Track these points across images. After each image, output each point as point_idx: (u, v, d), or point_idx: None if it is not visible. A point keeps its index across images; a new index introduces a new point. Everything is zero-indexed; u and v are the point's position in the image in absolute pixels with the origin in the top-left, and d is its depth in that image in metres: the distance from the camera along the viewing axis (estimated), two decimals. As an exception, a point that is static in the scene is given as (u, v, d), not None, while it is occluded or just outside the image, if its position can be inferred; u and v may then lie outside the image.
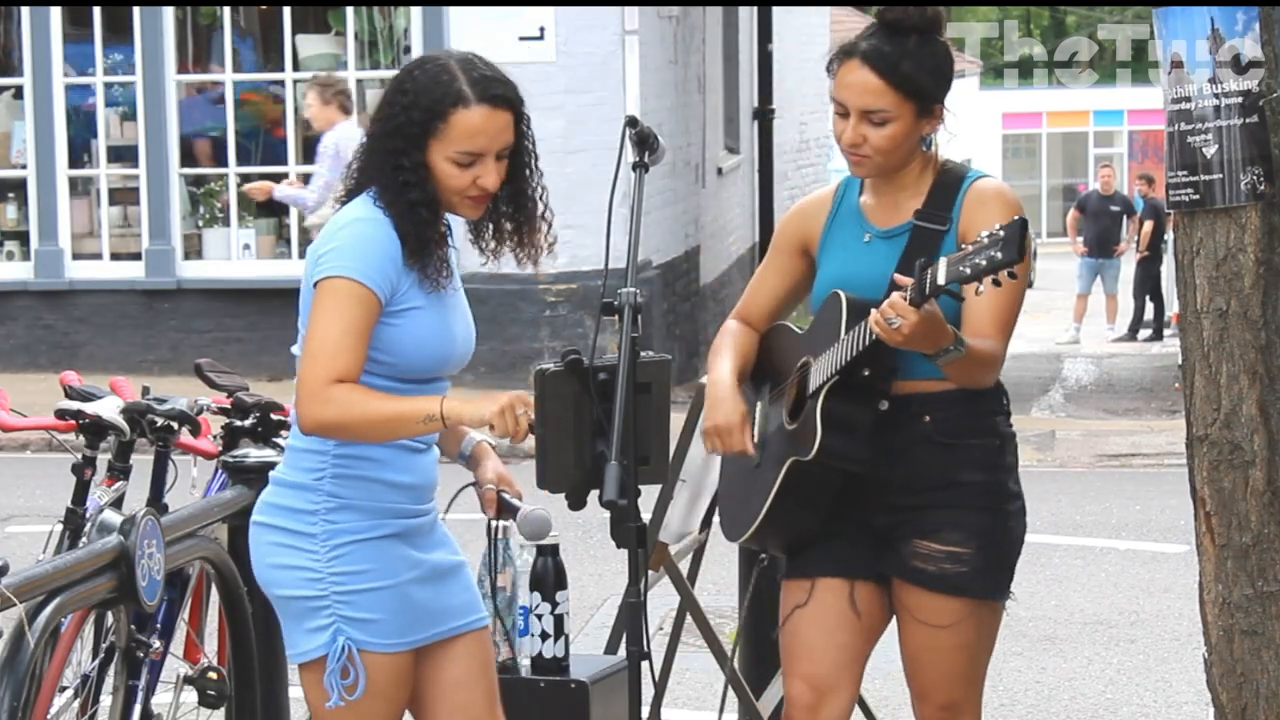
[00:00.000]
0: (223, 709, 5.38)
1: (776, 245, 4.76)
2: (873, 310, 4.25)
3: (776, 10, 20.91)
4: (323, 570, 4.15)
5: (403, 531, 4.21)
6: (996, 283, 4.12)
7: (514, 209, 4.28)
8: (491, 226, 4.30)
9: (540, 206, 4.29)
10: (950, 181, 4.56)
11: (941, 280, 4.13)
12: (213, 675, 5.31)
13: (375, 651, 4.16)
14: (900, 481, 4.50)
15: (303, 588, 4.16)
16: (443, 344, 4.22)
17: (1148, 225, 23.92)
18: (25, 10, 15.94)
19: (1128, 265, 24.62)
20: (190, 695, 5.45)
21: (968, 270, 4.11)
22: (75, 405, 5.49)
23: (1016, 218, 4.14)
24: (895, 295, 4.21)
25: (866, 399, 4.46)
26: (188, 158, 16.24)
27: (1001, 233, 4.09)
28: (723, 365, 4.64)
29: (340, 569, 4.14)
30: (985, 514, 4.51)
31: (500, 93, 4.15)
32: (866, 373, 4.42)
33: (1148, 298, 23.99)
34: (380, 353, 4.14)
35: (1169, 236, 22.94)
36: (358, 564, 4.15)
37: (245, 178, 16.01)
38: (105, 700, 5.20)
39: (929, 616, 4.51)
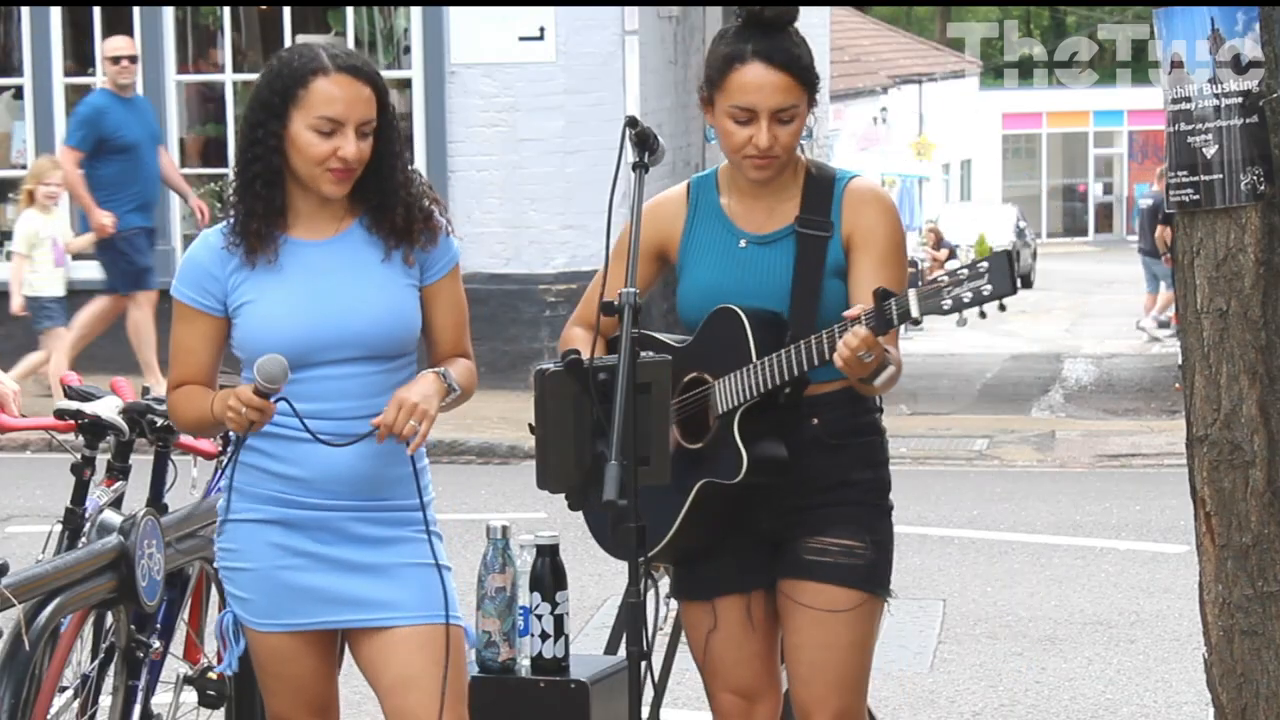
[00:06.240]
0: (223, 709, 5.38)
1: (625, 250, 4.57)
2: (839, 344, 4.21)
3: (776, 10, 20.89)
4: (217, 546, 4.44)
5: (286, 520, 4.33)
6: (983, 314, 4.19)
7: (383, 197, 4.31)
8: (379, 221, 4.33)
9: (418, 192, 4.33)
10: (822, 181, 4.51)
11: (915, 314, 4.15)
12: (213, 675, 5.32)
13: (249, 628, 4.38)
14: (792, 485, 4.48)
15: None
16: (288, 331, 4.26)
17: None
18: (25, 10, 15.93)
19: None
20: (190, 695, 5.45)
21: (948, 303, 4.15)
22: (75, 405, 5.49)
23: (1001, 251, 4.19)
24: (859, 329, 4.19)
25: (786, 415, 4.45)
26: (187, 158, 16.23)
27: (984, 265, 4.14)
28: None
29: (220, 545, 4.43)
30: (873, 510, 4.54)
31: (359, 65, 4.27)
32: (789, 391, 4.42)
33: None
34: (239, 350, 4.35)
35: None
36: (228, 542, 4.41)
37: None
38: (105, 700, 5.20)
39: (827, 604, 4.46)
